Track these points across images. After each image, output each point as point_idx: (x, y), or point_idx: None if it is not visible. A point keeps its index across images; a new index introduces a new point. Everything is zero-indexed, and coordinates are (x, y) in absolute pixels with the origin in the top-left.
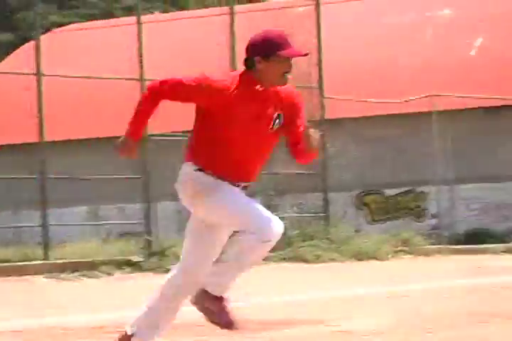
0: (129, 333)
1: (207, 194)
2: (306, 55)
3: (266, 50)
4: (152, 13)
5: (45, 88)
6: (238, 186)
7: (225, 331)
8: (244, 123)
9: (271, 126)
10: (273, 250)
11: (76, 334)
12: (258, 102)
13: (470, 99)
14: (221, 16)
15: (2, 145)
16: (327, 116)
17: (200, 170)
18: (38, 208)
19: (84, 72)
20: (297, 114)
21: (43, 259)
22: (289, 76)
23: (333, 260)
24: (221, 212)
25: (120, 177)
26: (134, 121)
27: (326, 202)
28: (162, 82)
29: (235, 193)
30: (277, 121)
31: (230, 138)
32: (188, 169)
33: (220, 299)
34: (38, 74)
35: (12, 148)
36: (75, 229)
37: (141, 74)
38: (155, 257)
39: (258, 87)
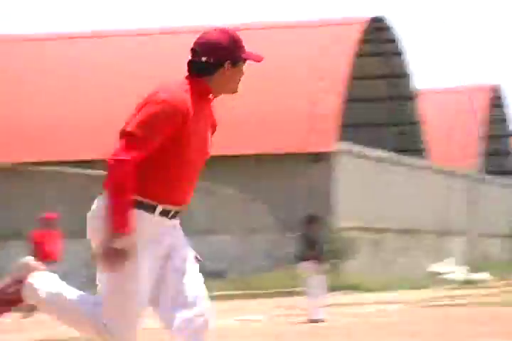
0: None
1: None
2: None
3: (236, 54)
4: None
5: None
6: (167, 214)
7: None
8: (196, 141)
9: (210, 140)
10: None
11: None
12: (206, 114)
13: None
14: None
15: None
16: None
17: None
18: None
19: None
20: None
21: None
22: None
23: None
24: (104, 287)
25: None
26: (119, 211)
27: None
28: (121, 150)
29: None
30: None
31: (182, 158)
32: (102, 203)
33: (20, 301)
34: None
35: None
36: None
37: None
38: None
39: (210, 96)
